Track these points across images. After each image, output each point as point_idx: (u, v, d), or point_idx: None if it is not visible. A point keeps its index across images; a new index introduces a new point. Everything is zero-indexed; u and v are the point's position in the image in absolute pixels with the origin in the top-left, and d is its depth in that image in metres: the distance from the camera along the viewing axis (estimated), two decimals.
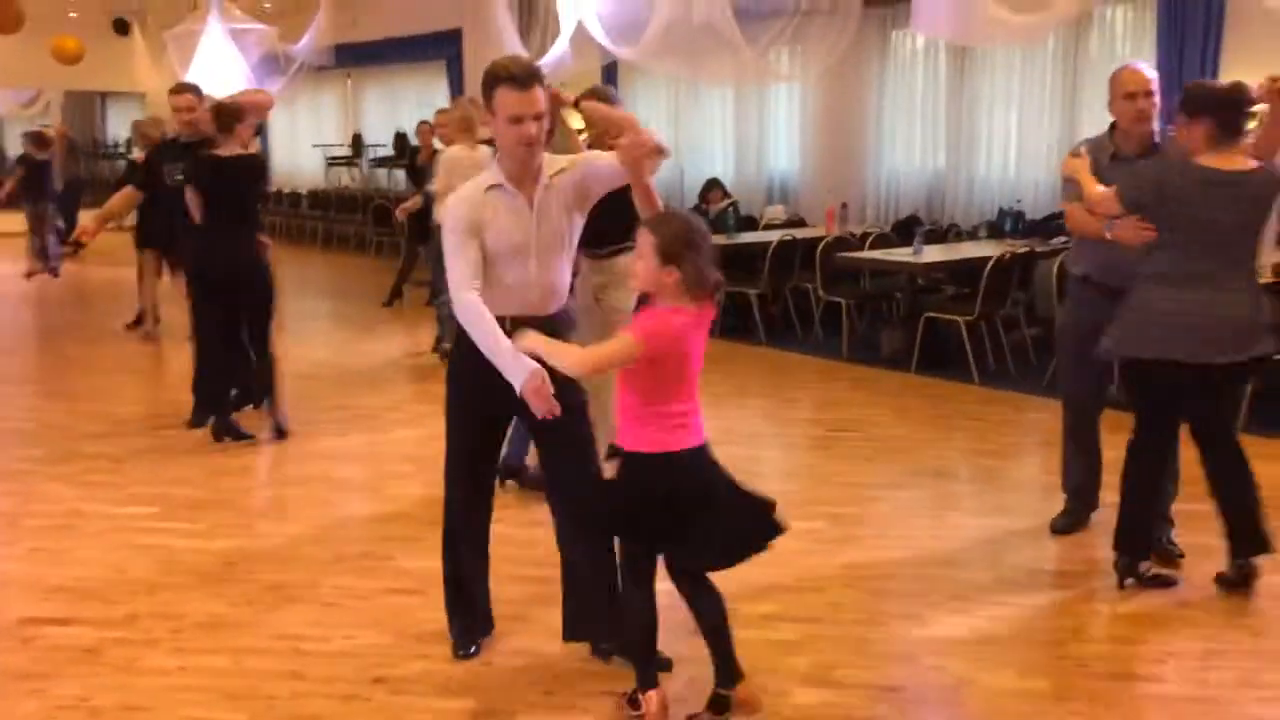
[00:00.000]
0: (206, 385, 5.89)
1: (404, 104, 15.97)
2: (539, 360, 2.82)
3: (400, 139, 15.22)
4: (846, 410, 6.52)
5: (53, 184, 13.08)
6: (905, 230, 8.87)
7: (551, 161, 3.12)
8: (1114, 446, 4.04)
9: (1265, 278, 5.86)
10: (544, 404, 2.82)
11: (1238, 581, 3.76)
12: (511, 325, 3.02)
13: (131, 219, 8.25)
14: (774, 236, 8.56)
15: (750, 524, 2.83)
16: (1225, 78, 7.80)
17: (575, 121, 4.58)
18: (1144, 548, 3.83)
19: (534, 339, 2.82)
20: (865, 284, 8.54)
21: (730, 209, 9.71)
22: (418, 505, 4.85)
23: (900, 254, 7.81)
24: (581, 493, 3.19)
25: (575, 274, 3.57)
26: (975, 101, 9.33)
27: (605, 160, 3.16)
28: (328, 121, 17.75)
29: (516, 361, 2.85)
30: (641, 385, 2.78)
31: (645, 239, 2.77)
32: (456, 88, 14.42)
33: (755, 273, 8.32)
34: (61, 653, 3.45)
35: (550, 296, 3.17)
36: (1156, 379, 3.69)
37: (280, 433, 5.81)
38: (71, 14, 16.44)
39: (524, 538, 4.36)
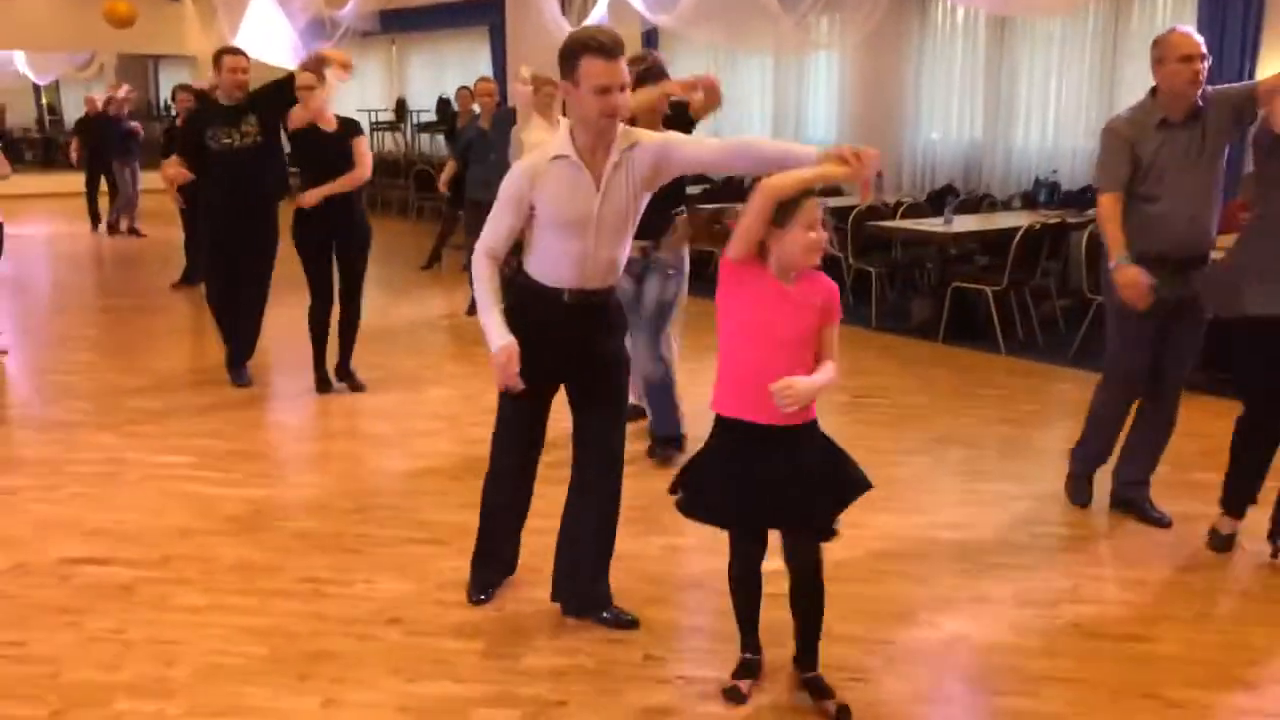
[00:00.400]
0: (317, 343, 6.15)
1: (448, 69, 16.10)
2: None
3: (443, 104, 15.34)
4: (872, 378, 6.57)
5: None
6: (940, 200, 8.85)
7: (625, 134, 3.04)
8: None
9: None
10: (506, 378, 3.03)
11: None
12: (569, 298, 3.11)
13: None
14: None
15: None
16: (1266, 52, 7.74)
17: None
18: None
19: (804, 385, 2.65)
20: (897, 253, 8.56)
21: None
22: (445, 460, 5.02)
23: (931, 224, 7.81)
24: (610, 447, 3.35)
25: None
26: (1014, 72, 9.23)
27: (691, 147, 3.08)
28: (372, 86, 17.91)
29: (494, 330, 3.03)
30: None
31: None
32: (499, 53, 14.51)
33: None
34: (98, 590, 3.65)
35: (610, 271, 3.16)
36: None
37: (356, 385, 6.15)
38: None
39: (547, 491, 4.51)
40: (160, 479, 4.73)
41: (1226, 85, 4.10)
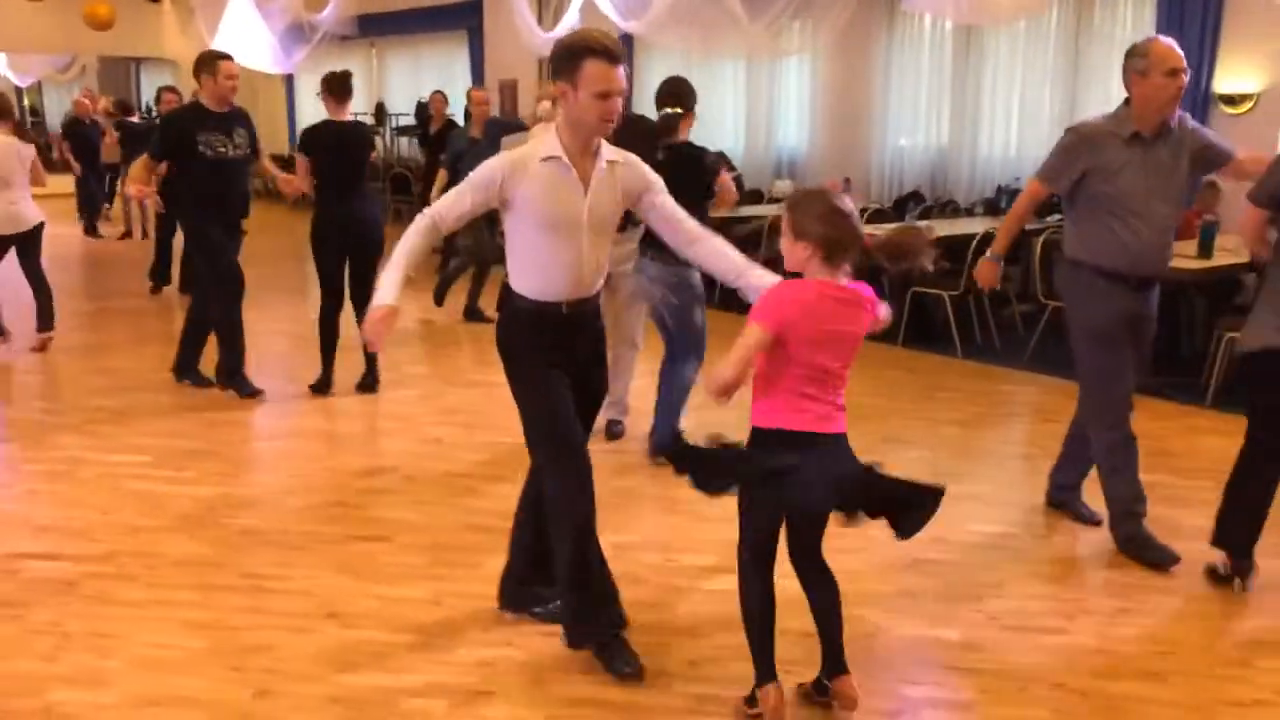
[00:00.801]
0: (327, 348, 6.19)
1: (427, 73, 16.17)
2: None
3: (421, 108, 15.40)
4: None
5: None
6: (905, 206, 8.97)
7: (610, 148, 3.05)
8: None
9: None
10: (374, 335, 2.92)
11: None
12: (567, 309, 3.05)
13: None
14: (772, 210, 8.69)
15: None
16: (1224, 56, 7.88)
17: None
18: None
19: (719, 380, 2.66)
20: (863, 259, 8.64)
21: (733, 182, 9.83)
22: (399, 460, 5.10)
23: (890, 229, 7.90)
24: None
25: None
26: (980, 80, 9.38)
27: (669, 209, 3.13)
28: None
29: (387, 287, 2.94)
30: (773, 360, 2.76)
31: (785, 216, 2.80)
32: (477, 58, 14.61)
33: (753, 246, 8.45)
34: (42, 585, 3.71)
35: (598, 276, 3.12)
36: None
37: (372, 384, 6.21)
38: None
39: (493, 490, 4.61)
40: (114, 477, 4.79)
41: (1206, 130, 4.03)
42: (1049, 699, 3.02)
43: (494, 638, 3.37)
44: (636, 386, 5.45)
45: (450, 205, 3.02)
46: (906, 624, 3.46)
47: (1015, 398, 6.26)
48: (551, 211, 2.96)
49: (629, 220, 4.39)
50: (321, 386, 6.17)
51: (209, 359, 6.27)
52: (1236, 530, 3.68)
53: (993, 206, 8.74)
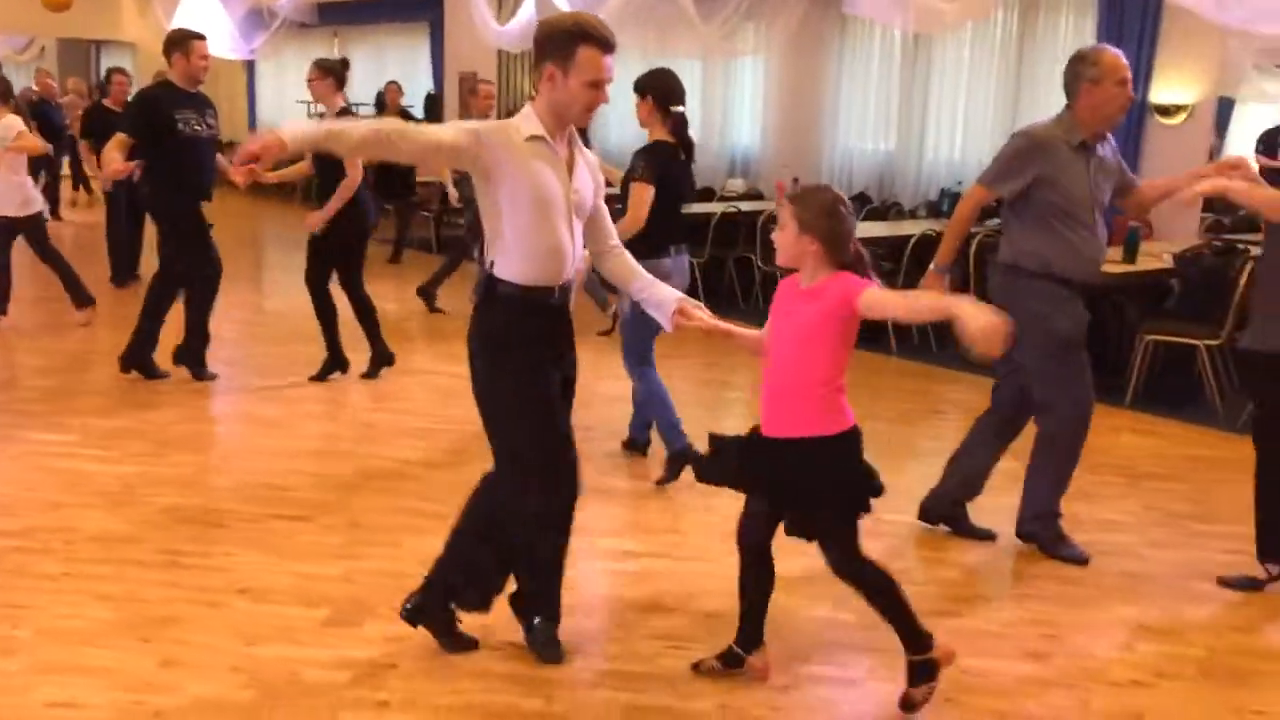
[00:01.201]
0: (331, 336, 6.16)
1: (389, 63, 16.12)
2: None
3: (382, 98, 15.38)
4: (757, 375, 6.76)
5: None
6: (856, 206, 9.11)
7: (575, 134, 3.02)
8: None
9: None
10: (253, 153, 2.67)
11: None
12: (558, 295, 2.96)
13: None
14: (720, 208, 8.78)
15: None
16: (1160, 70, 8.07)
17: None
18: None
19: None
20: None
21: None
22: (327, 443, 5.16)
23: None
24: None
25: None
26: (927, 85, 9.52)
27: (604, 213, 3.13)
28: None
29: (296, 127, 2.73)
30: (841, 359, 2.83)
31: (786, 210, 2.79)
32: (439, 48, 14.61)
33: (701, 242, 8.55)
34: None
35: (572, 262, 3.00)
36: None
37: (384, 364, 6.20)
38: None
39: (420, 474, 4.67)
40: (40, 455, 4.79)
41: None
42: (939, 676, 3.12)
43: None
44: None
45: (422, 130, 2.85)
46: (809, 606, 3.56)
47: (946, 396, 6.39)
48: (542, 192, 2.85)
49: None
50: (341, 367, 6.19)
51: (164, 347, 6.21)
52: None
53: (935, 209, 8.89)
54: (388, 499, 4.43)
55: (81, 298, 7.31)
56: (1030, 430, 4.10)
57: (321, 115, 12.75)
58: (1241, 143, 12.25)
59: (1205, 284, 6.41)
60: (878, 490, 2.97)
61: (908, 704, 2.94)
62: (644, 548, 4.03)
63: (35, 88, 13.92)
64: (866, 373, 6.86)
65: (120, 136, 5.69)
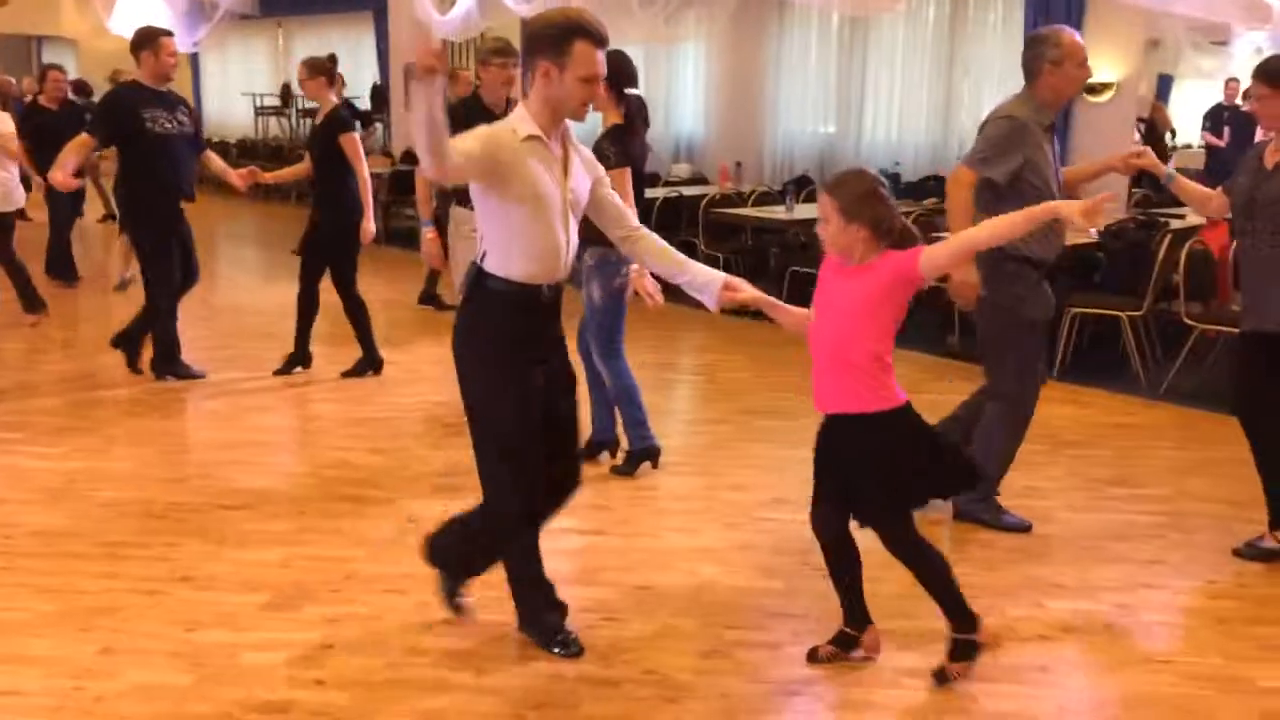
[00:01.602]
0: (303, 331, 6.17)
1: (334, 53, 16.03)
2: None
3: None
4: (704, 355, 6.91)
5: None
6: (796, 189, 9.23)
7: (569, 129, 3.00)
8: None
9: None
10: (426, 51, 2.59)
11: None
12: (548, 291, 2.94)
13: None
14: (663, 193, 8.89)
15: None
16: (1086, 42, 8.24)
17: None
18: None
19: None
20: (748, 240, 8.91)
21: None
22: (272, 435, 5.22)
23: (775, 211, 8.18)
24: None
25: None
26: (864, 68, 9.69)
27: (612, 199, 3.09)
28: (258, 70, 17.78)
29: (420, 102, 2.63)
30: (888, 334, 2.85)
31: (825, 201, 2.78)
32: (383, 38, 14.55)
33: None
34: None
35: (570, 257, 3.01)
36: None
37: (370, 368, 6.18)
38: None
39: (364, 462, 4.74)
40: None
41: None
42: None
43: (342, 597, 3.51)
44: None
45: (470, 142, 2.78)
46: (736, 575, 3.69)
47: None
48: (539, 192, 2.85)
49: None
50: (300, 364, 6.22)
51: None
52: None
53: None
54: (330, 486, 4.50)
55: (34, 304, 7.27)
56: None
57: (279, 109, 12.60)
58: (1185, 117, 12.59)
59: (1130, 258, 6.62)
60: (941, 484, 3.04)
61: (942, 677, 3.00)
62: (582, 524, 4.12)
63: None
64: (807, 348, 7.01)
65: (82, 138, 5.64)
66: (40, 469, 4.62)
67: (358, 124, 10.70)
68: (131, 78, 5.86)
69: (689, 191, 9.12)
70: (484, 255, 2.95)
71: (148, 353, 6.05)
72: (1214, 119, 11.79)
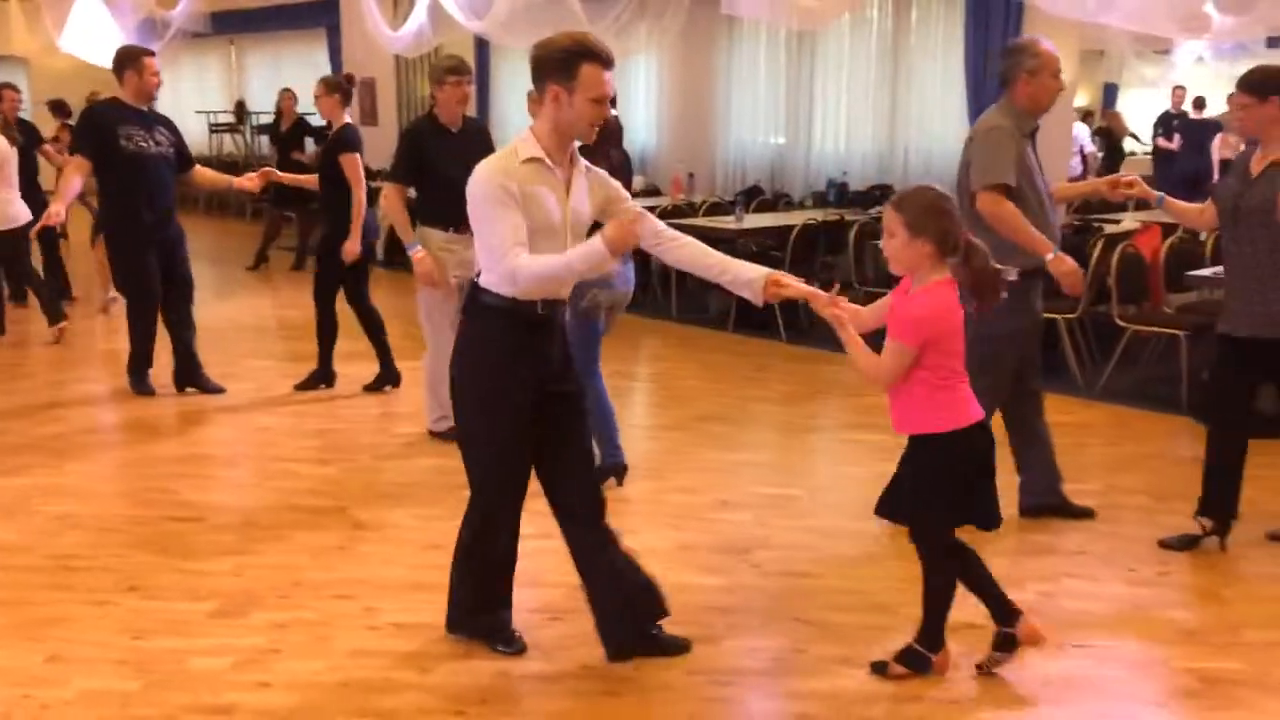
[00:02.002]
0: (326, 350, 6.17)
1: (287, 71, 16.04)
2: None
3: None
4: (658, 364, 7.02)
5: None
6: (748, 199, 9.39)
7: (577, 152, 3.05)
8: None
9: None
10: (631, 232, 2.81)
11: None
12: (542, 308, 2.96)
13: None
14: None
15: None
16: None
17: None
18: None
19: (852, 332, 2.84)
20: None
21: None
22: (221, 449, 5.28)
23: (725, 221, 8.32)
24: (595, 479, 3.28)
25: None
26: (812, 79, 9.87)
27: (631, 210, 3.09)
28: (211, 88, 17.75)
29: (591, 244, 2.82)
30: (940, 358, 2.84)
31: (891, 216, 2.80)
32: (336, 54, 14.58)
33: None
34: None
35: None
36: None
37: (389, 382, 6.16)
38: None
39: (311, 473, 4.80)
40: None
41: None
42: (788, 630, 3.38)
43: (290, 603, 3.57)
44: None
45: (511, 233, 2.84)
46: (679, 573, 3.78)
47: (828, 378, 6.68)
48: (538, 214, 2.88)
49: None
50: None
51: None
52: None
53: (822, 199, 9.22)
54: (280, 497, 4.55)
55: (55, 316, 7.37)
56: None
57: (271, 128, 12.46)
58: (1130, 125, 12.90)
59: None
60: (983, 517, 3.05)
61: (881, 668, 3.09)
62: (533, 529, 4.18)
63: None
64: (757, 358, 7.16)
65: (77, 159, 5.70)
66: None
67: (309, 141, 10.83)
68: (111, 96, 5.89)
69: (641, 203, 9.22)
70: (479, 273, 2.99)
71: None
72: (1164, 126, 12.13)
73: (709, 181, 10.54)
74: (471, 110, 5.72)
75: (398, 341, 6.26)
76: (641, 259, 8.97)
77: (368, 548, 4.00)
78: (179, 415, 5.76)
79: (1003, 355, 4.02)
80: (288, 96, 10.60)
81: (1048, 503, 4.30)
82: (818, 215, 8.16)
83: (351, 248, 5.82)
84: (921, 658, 3.08)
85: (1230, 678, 3.16)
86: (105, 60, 13.69)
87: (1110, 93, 13.99)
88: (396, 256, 8.72)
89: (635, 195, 10.17)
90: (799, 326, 7.85)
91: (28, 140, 8.67)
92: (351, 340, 6.30)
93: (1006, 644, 3.11)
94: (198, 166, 6.20)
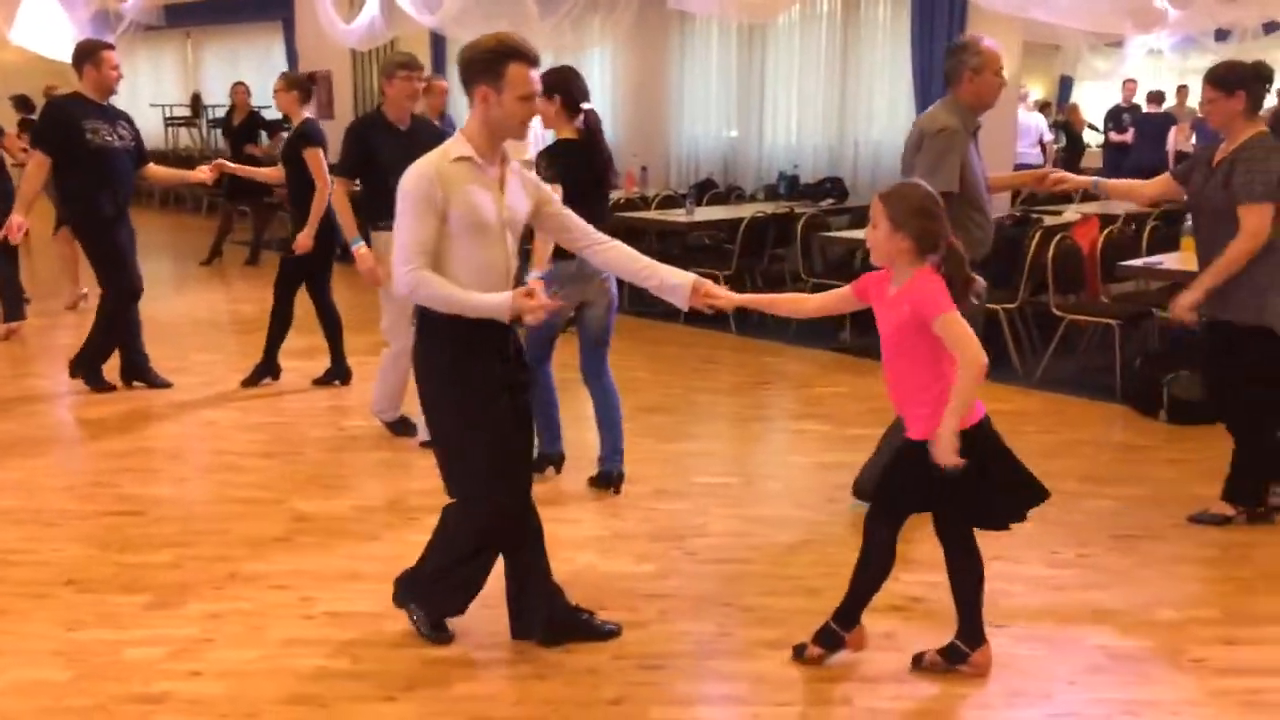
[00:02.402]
0: (274, 343, 6.16)
1: (244, 64, 15.93)
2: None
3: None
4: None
5: None
6: (700, 192, 9.47)
7: (514, 147, 3.13)
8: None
9: None
10: (539, 310, 2.88)
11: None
12: None
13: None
14: None
15: (1020, 489, 2.98)
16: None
17: None
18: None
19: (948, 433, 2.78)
20: (653, 242, 9.10)
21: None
22: (166, 441, 5.28)
23: (677, 214, 8.39)
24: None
25: None
26: (763, 73, 9.96)
27: (559, 210, 3.18)
28: (167, 81, 17.59)
29: (489, 300, 2.88)
30: (937, 362, 2.84)
31: (877, 207, 2.82)
32: (292, 49, 14.50)
33: None
34: None
35: (510, 279, 3.06)
36: None
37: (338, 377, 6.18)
38: None
39: (255, 465, 4.82)
40: None
41: None
42: (718, 614, 3.45)
43: (226, 594, 3.60)
44: None
45: (420, 239, 2.88)
46: (614, 560, 3.86)
47: (774, 369, 6.77)
48: (476, 213, 2.93)
49: None
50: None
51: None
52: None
53: (773, 192, 9.31)
54: (221, 490, 4.58)
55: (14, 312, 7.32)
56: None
57: (224, 122, 12.36)
58: (1089, 115, 13.09)
59: (1007, 253, 6.93)
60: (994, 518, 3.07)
61: (800, 652, 3.14)
62: None
63: None
64: (705, 349, 7.23)
65: (37, 156, 5.65)
66: None
67: (262, 134, 10.77)
68: (73, 90, 5.85)
69: None
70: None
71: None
72: (1114, 119, 12.33)
73: (663, 175, 10.61)
74: (420, 107, 5.73)
75: (354, 337, 6.29)
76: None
77: (307, 539, 4.04)
78: (125, 411, 5.75)
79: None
80: (240, 90, 10.54)
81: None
82: (767, 208, 8.24)
83: (304, 241, 5.83)
84: (837, 638, 3.15)
85: (1141, 655, 3.27)
86: (57, 53, 13.55)
87: (1066, 85, 14.21)
88: None
89: None
90: (750, 318, 7.94)
91: None
92: (305, 335, 6.32)
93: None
94: (151, 164, 6.18)
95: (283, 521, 4.20)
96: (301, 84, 6.05)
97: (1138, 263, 6.21)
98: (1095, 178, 4.46)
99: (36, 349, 7.25)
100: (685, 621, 3.42)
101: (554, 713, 2.93)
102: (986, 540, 4.03)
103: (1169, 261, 6.05)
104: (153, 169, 6.19)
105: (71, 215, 5.81)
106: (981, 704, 3.02)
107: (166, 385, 6.10)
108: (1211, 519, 4.25)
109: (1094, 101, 13.46)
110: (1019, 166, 8.91)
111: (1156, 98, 11.88)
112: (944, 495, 2.95)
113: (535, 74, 2.96)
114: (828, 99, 9.49)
